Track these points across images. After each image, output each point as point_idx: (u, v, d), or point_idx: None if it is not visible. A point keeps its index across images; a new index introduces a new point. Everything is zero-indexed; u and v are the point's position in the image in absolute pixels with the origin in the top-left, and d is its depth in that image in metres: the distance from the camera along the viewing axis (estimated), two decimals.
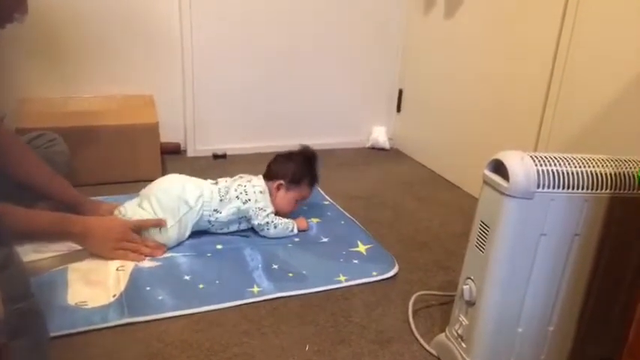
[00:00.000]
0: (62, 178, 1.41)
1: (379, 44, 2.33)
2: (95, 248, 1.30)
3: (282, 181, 1.53)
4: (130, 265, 1.28)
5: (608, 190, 0.90)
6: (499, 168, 0.90)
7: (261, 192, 1.49)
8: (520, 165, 0.86)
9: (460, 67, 1.97)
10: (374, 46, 2.33)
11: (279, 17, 2.13)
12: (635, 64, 1.29)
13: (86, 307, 1.12)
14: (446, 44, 2.06)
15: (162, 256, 1.34)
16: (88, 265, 1.27)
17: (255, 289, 1.24)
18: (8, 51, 1.84)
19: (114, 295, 1.17)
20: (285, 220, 1.52)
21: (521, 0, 1.65)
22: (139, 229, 1.35)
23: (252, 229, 1.51)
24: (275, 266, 1.34)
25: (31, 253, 1.26)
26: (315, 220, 1.61)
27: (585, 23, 1.42)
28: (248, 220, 1.49)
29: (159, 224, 1.36)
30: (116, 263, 1.28)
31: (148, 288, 1.20)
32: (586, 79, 1.43)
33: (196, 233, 1.45)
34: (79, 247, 1.30)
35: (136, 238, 1.34)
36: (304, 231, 1.55)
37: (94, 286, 1.20)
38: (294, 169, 1.53)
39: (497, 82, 1.78)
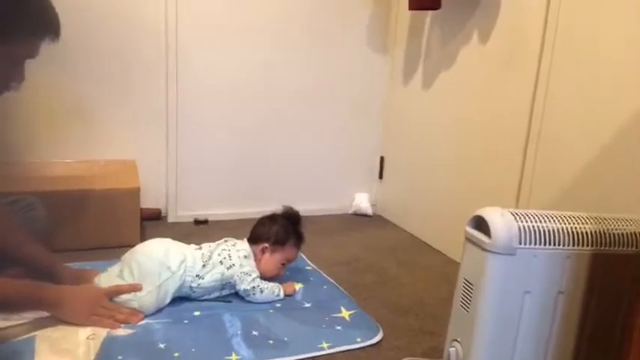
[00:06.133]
0: (39, 244, 1.37)
1: (361, 114, 2.39)
2: (68, 316, 1.24)
3: (266, 244, 1.50)
4: (101, 334, 1.22)
5: (589, 247, 0.90)
6: (480, 225, 0.90)
7: (245, 256, 1.47)
8: (501, 220, 0.87)
9: (439, 134, 2.03)
10: (356, 116, 2.39)
11: (262, 87, 2.19)
12: (612, 120, 1.32)
13: None
14: (424, 113, 2.12)
15: (137, 324, 1.28)
16: (57, 332, 1.21)
17: (234, 357, 1.19)
18: None
19: None
20: (271, 284, 1.48)
21: (495, 68, 1.73)
22: (114, 295, 1.30)
23: (235, 295, 1.46)
24: (255, 333, 1.29)
25: None
26: (297, 286, 1.57)
27: (558, 85, 1.48)
28: (232, 285, 1.45)
29: (134, 289, 1.31)
30: (87, 331, 1.22)
31: (120, 357, 1.14)
32: (562, 139, 1.47)
33: (175, 299, 1.39)
34: (48, 315, 1.24)
35: (110, 305, 1.29)
36: (290, 296, 1.51)
37: (62, 355, 1.13)
38: (278, 230, 1.51)
39: (476, 148, 1.83)
